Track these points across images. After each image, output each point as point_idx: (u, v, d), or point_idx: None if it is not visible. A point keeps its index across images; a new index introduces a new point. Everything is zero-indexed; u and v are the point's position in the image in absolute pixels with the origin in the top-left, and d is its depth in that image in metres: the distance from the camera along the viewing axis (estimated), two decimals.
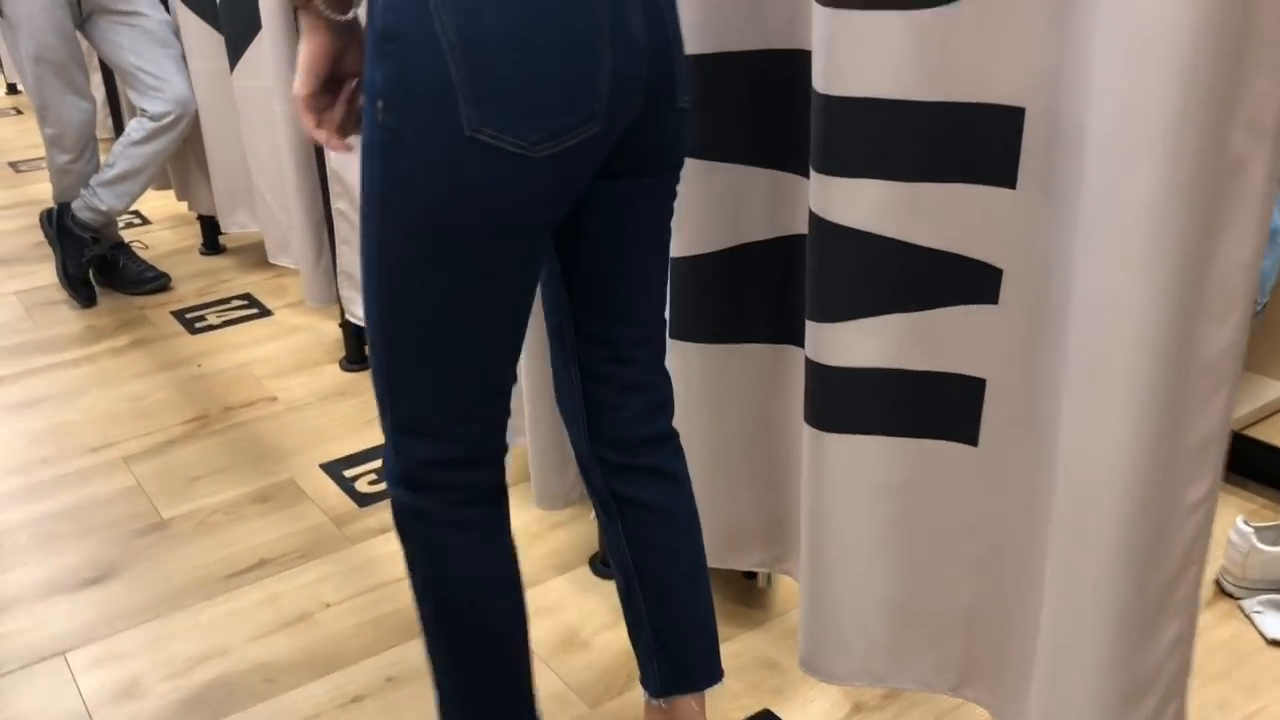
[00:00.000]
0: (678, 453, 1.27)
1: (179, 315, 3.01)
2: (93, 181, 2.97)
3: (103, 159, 3.01)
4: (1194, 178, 0.90)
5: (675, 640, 1.27)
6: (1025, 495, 1.22)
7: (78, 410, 2.51)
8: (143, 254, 3.30)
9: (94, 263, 3.13)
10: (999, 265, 1.16)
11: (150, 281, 3.15)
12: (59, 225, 3.05)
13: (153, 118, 2.94)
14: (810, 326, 1.25)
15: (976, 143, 1.11)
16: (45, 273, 3.29)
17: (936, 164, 1.13)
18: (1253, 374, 2.14)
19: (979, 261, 1.17)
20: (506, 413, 1.13)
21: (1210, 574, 1.71)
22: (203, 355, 2.78)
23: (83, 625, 1.78)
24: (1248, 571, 1.64)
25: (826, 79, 1.13)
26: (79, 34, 2.89)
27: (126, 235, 3.33)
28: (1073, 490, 1.06)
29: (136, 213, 3.84)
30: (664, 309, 1.23)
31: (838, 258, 1.20)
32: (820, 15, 1.12)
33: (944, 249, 1.17)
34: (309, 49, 1.07)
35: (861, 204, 1.16)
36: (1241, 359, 1.05)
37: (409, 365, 1.06)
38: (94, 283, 3.14)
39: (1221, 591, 1.70)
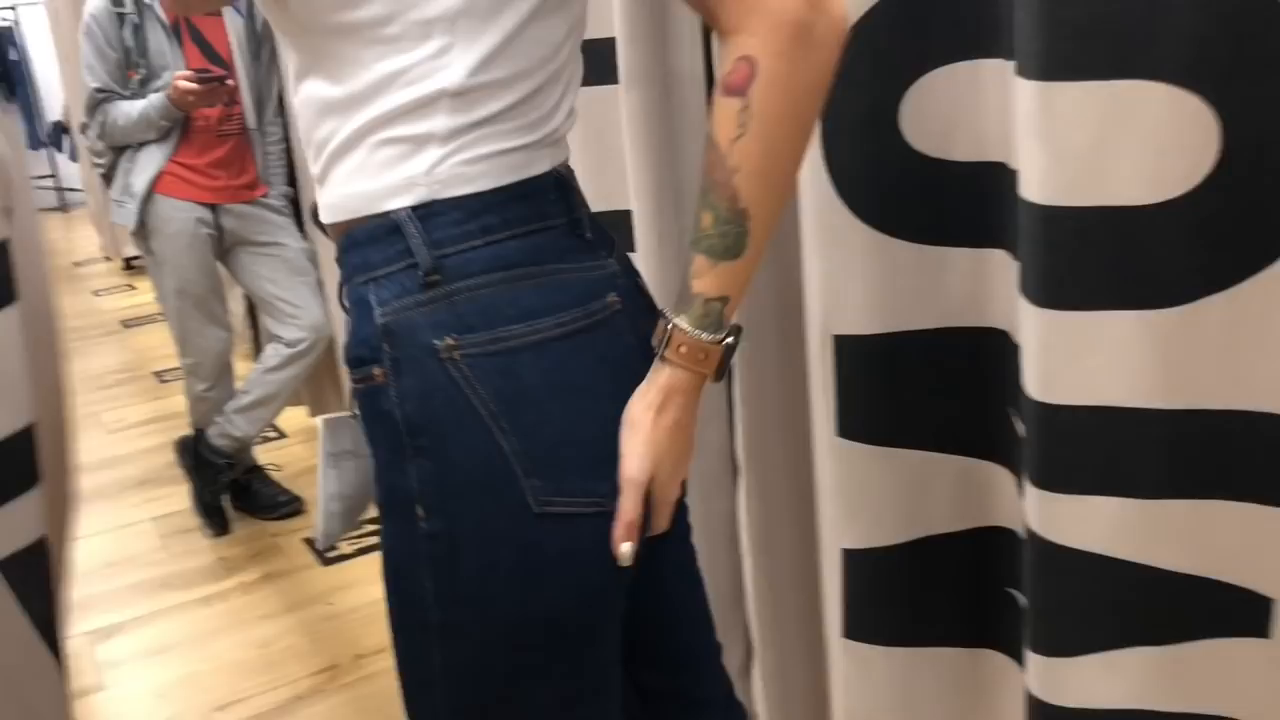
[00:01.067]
0: None
1: (311, 543, 2.94)
2: (228, 408, 2.96)
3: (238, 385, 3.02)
4: None
5: None
6: None
7: (206, 658, 2.42)
8: (276, 474, 3.27)
9: (227, 488, 3.11)
10: (1268, 594, 0.96)
11: (283, 506, 3.10)
12: (195, 454, 3.04)
13: (288, 344, 2.93)
14: (1034, 660, 1.06)
15: (1234, 454, 0.93)
16: (181, 495, 3.28)
17: (1184, 478, 0.95)
18: None
19: (1242, 588, 0.97)
20: None
21: None
22: (335, 590, 2.68)
23: None
24: None
25: (1044, 385, 0.97)
26: (219, 264, 2.94)
27: (260, 450, 3.31)
28: None
29: (273, 426, 3.84)
30: (715, 634, 1.10)
31: (1067, 583, 1.01)
32: (1031, 314, 0.97)
33: (1197, 574, 0.97)
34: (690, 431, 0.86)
35: (1094, 524, 0.98)
36: None
37: None
38: (227, 508, 3.10)
39: None
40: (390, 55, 0.81)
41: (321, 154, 0.87)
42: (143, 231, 2.81)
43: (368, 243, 0.84)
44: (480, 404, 0.80)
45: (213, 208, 2.84)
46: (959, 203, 1.14)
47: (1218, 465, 0.93)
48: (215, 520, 3.04)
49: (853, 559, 1.28)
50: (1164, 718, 1.02)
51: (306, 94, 0.86)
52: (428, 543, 0.81)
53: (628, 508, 0.82)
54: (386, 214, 0.83)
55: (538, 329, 0.82)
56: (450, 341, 0.80)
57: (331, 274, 2.95)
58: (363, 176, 0.84)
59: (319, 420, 0.90)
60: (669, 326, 0.82)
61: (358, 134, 0.84)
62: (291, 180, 3.05)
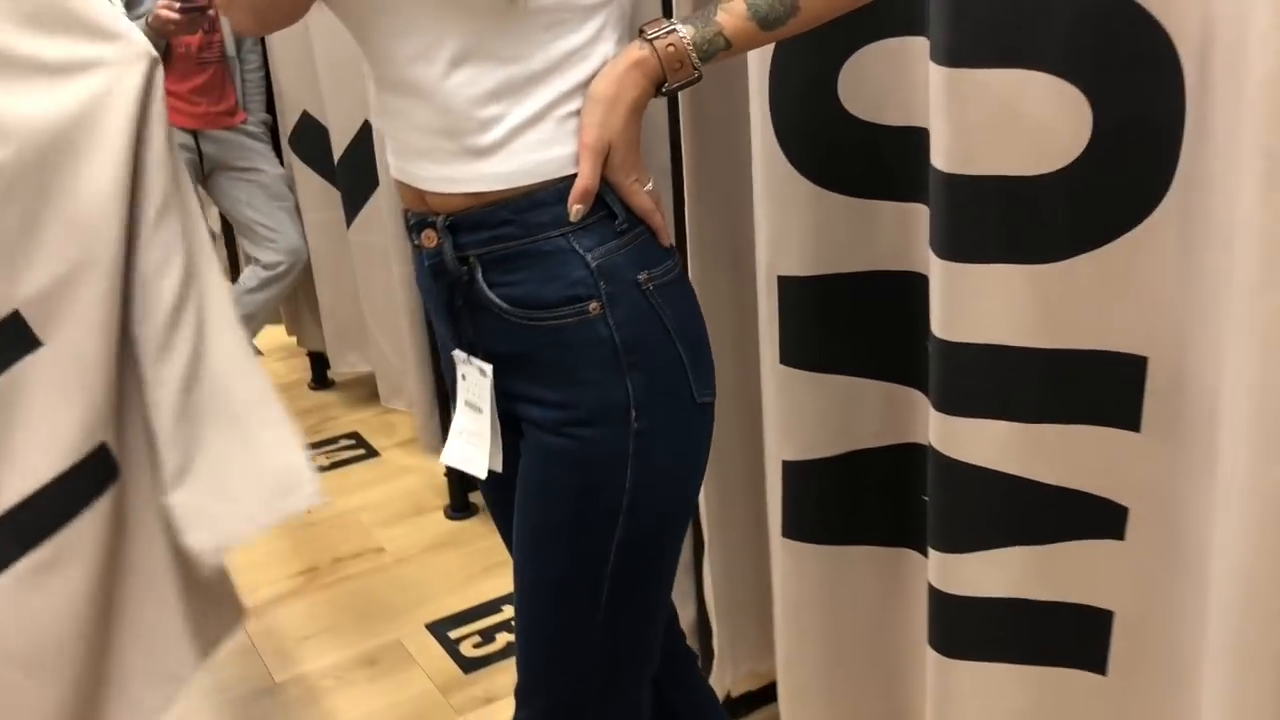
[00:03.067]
0: None
1: None
2: None
3: None
4: None
5: None
6: None
7: None
8: None
9: None
10: (1124, 503, 1.15)
11: None
12: None
13: (266, 266, 3.06)
14: (934, 556, 1.25)
15: (1098, 388, 1.11)
16: None
17: (1058, 407, 1.13)
18: None
19: (1103, 499, 1.15)
20: None
21: None
22: None
23: None
24: None
25: (945, 325, 1.14)
26: (200, 189, 3.05)
27: None
28: None
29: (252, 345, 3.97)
30: None
31: (960, 492, 1.20)
32: (936, 265, 1.14)
33: (1067, 486, 1.16)
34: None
35: (983, 443, 1.16)
36: None
37: (627, 668, 1.09)
38: None
39: None
40: (566, 35, 0.96)
41: (495, 127, 0.97)
42: None
43: (558, 201, 0.98)
44: (667, 323, 1.01)
45: (194, 133, 2.94)
46: (888, 162, 1.30)
47: (1085, 396, 1.12)
48: None
49: (791, 469, 1.46)
50: (1038, 606, 1.22)
51: (469, 75, 0.96)
52: (635, 439, 1.00)
53: (587, 172, 0.97)
54: (575, 175, 0.98)
55: (676, 265, 1.05)
56: (645, 276, 1.01)
57: (318, 201, 3.05)
58: (555, 145, 0.98)
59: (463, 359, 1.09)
60: (672, 27, 0.97)
61: (546, 108, 0.97)
62: (270, 108, 3.15)
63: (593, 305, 0.98)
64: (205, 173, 3.02)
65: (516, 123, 0.97)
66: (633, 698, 1.11)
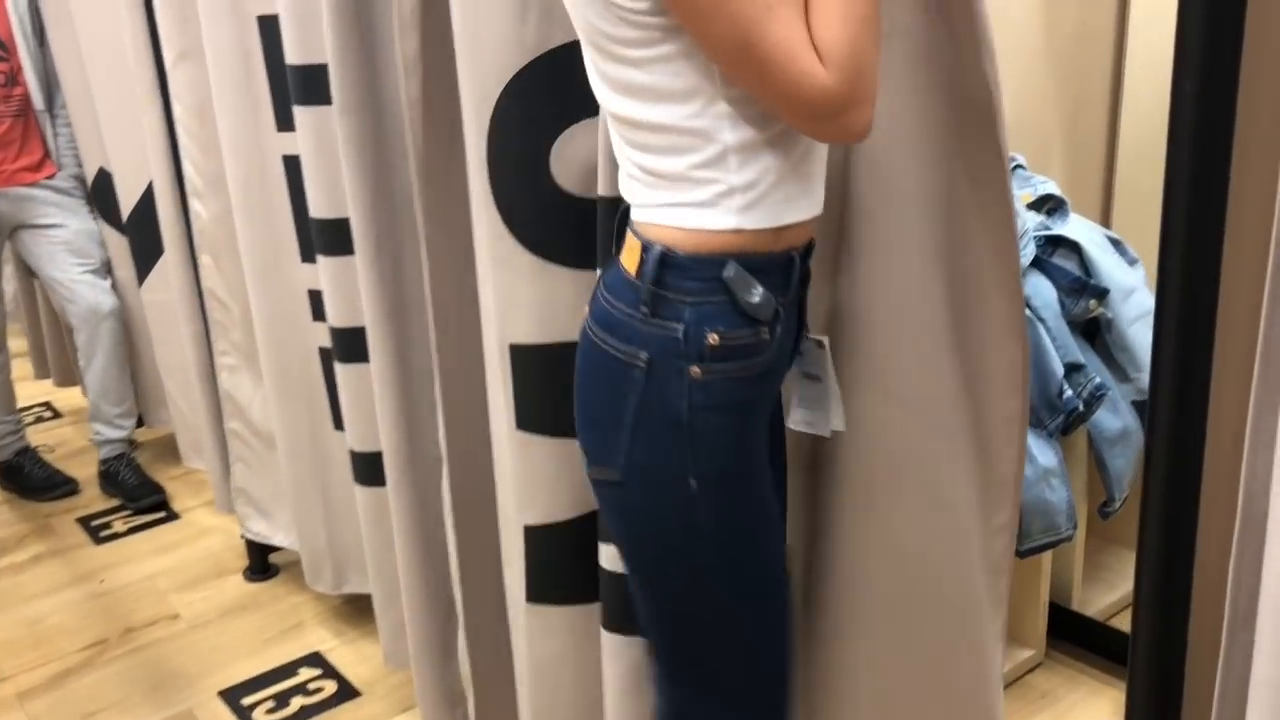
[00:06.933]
0: None
1: (85, 522, 3.00)
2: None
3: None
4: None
5: None
6: None
7: None
8: (48, 455, 3.29)
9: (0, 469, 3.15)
10: None
11: (58, 488, 3.14)
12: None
13: (73, 329, 2.99)
14: None
15: None
16: None
17: None
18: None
19: None
20: None
21: None
22: (106, 569, 2.76)
23: None
24: None
25: None
26: (10, 245, 2.96)
27: (33, 431, 3.32)
28: None
29: (47, 404, 3.83)
30: None
31: None
32: None
33: None
34: None
35: None
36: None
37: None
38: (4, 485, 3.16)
39: None
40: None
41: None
42: None
43: None
44: None
45: None
46: (603, 233, 1.35)
47: None
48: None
49: (532, 534, 1.49)
50: None
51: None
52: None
53: None
54: None
55: None
56: None
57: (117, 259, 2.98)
58: None
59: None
60: None
61: None
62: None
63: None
64: (8, 231, 2.92)
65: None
66: None
